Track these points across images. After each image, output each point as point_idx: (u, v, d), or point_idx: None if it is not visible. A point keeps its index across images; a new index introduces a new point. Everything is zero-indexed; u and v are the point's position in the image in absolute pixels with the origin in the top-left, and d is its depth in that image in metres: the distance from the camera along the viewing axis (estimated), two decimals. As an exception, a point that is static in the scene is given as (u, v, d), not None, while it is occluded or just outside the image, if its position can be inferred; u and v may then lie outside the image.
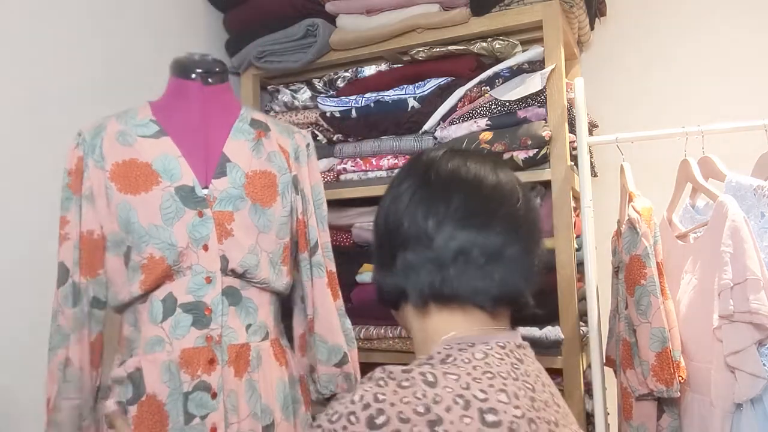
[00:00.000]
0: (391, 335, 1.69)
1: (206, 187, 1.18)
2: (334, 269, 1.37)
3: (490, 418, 0.64)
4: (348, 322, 1.37)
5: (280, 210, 1.24)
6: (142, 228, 1.14)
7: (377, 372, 0.69)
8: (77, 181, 1.18)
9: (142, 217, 1.14)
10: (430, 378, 0.66)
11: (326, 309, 1.31)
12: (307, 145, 1.34)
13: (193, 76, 1.25)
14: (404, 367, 0.68)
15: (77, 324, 1.18)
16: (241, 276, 1.19)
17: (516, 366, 0.72)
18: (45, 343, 1.18)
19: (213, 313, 1.15)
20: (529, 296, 0.79)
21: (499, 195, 0.79)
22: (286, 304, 1.36)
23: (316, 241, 1.32)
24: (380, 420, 0.62)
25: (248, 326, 1.19)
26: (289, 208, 1.28)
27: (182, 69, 1.26)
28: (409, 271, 0.77)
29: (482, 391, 0.66)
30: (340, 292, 1.38)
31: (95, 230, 1.18)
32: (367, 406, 0.63)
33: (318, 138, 1.86)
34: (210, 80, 1.26)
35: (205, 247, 1.15)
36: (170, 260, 1.13)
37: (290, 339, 1.37)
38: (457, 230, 0.76)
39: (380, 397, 0.63)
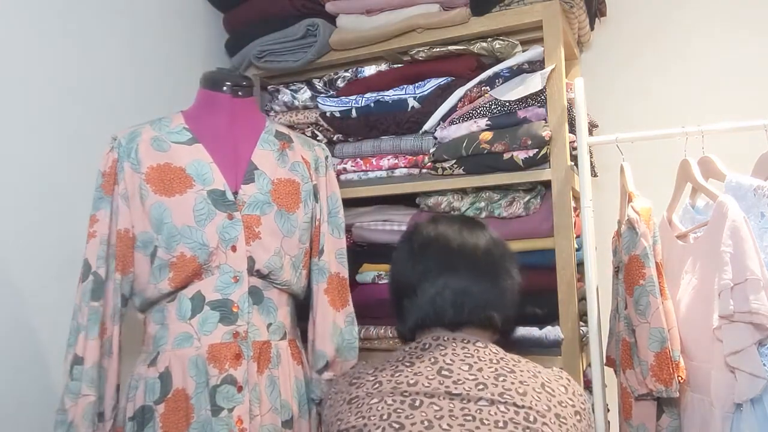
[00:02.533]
0: (391, 335, 1.69)
1: (236, 192, 1.25)
2: (346, 275, 1.43)
3: (353, 381, 1.08)
4: (355, 330, 1.42)
5: (303, 216, 1.33)
6: (174, 228, 1.20)
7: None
8: (110, 183, 1.24)
9: (175, 218, 1.20)
10: (361, 369, 1.11)
11: (322, 314, 1.37)
12: (326, 157, 1.44)
13: (224, 89, 1.33)
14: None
15: (95, 319, 1.20)
16: (265, 277, 1.26)
17: (412, 353, 1.07)
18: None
19: (240, 310, 1.22)
20: (499, 316, 1.11)
21: (463, 249, 1.11)
22: (303, 309, 1.41)
23: (323, 247, 1.38)
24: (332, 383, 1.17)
25: (269, 325, 1.26)
26: (310, 215, 1.36)
27: (213, 82, 1.34)
28: (404, 314, 1.13)
29: (363, 369, 1.09)
30: (349, 300, 1.42)
31: (130, 229, 1.24)
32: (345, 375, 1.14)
33: (318, 138, 1.86)
34: (240, 93, 1.34)
35: (234, 248, 1.22)
36: (201, 259, 1.20)
37: (304, 342, 1.41)
38: (432, 280, 1.09)
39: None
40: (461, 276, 1.09)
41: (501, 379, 1.00)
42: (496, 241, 1.17)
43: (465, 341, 1.07)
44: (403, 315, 1.13)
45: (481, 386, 0.99)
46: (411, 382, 1.01)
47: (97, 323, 1.20)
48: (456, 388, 0.99)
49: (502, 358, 1.05)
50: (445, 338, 1.08)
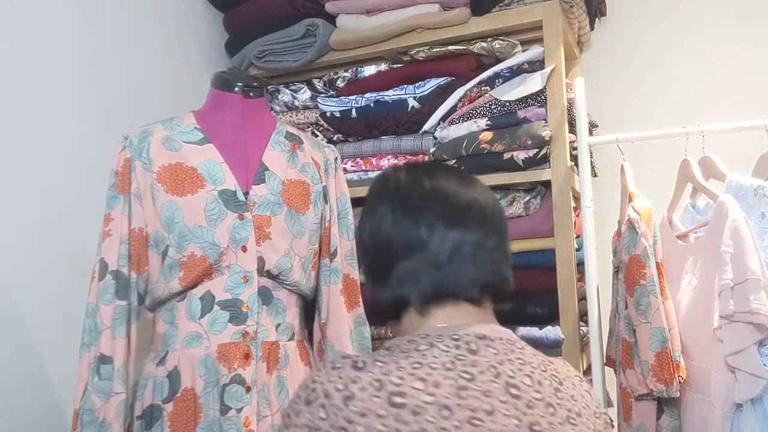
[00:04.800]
0: (391, 335, 1.69)
1: (246, 193, 1.26)
2: (356, 277, 1.43)
3: (397, 399, 0.71)
4: (367, 330, 1.42)
5: (312, 217, 1.33)
6: (185, 227, 1.20)
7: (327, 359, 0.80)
8: (124, 181, 1.24)
9: (187, 217, 1.21)
10: (360, 364, 0.75)
11: (337, 315, 1.37)
12: (335, 159, 1.43)
13: (236, 89, 1.33)
14: (349, 354, 0.80)
15: (122, 318, 1.21)
16: (275, 277, 1.26)
17: (461, 357, 0.79)
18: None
19: (249, 310, 1.22)
20: (511, 280, 0.91)
21: (468, 199, 0.91)
22: (309, 310, 1.40)
23: (336, 249, 1.39)
24: (312, 397, 0.73)
25: (278, 326, 1.26)
26: (320, 216, 1.36)
27: (224, 82, 1.34)
28: (410, 278, 0.86)
29: (399, 377, 0.74)
30: (360, 301, 1.42)
31: (143, 228, 1.24)
32: (305, 387, 0.75)
33: (318, 138, 1.86)
34: (251, 94, 1.34)
35: (244, 248, 1.22)
36: (212, 259, 1.20)
37: (311, 344, 1.41)
38: (446, 231, 0.86)
39: (315, 378, 0.75)
40: (474, 232, 0.87)
41: (559, 395, 0.82)
42: (495, 198, 0.97)
43: (509, 341, 0.85)
44: (399, 282, 0.87)
45: (551, 410, 0.79)
46: (487, 408, 0.74)
47: (125, 322, 1.21)
48: (532, 414, 0.77)
49: (542, 362, 0.85)
50: (491, 338, 0.84)
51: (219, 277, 1.22)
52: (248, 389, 1.19)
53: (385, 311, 0.89)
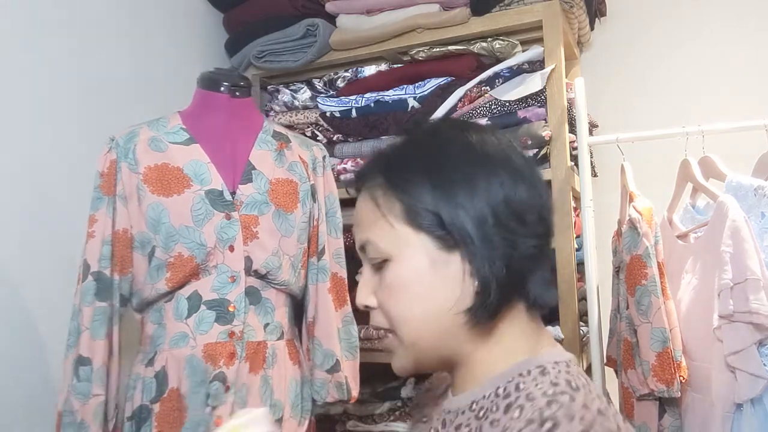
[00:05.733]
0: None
1: (233, 192, 1.25)
2: (344, 275, 1.42)
3: None
4: (354, 329, 1.41)
5: (301, 216, 1.32)
6: (172, 228, 1.20)
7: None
8: (109, 183, 1.24)
9: (173, 218, 1.20)
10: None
11: (326, 313, 1.36)
12: (324, 157, 1.43)
13: (222, 89, 1.32)
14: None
15: (102, 319, 1.20)
16: (263, 277, 1.25)
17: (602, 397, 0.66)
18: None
19: (236, 310, 1.22)
20: None
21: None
22: (299, 309, 1.40)
23: (324, 247, 1.38)
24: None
25: (266, 325, 1.26)
26: (308, 215, 1.35)
27: (211, 82, 1.33)
28: (534, 263, 0.69)
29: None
30: (348, 299, 1.42)
31: (128, 229, 1.24)
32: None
33: (318, 138, 1.86)
34: (237, 93, 1.34)
35: (231, 248, 1.22)
36: (199, 259, 1.20)
37: (302, 342, 1.40)
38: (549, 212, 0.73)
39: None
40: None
41: None
42: None
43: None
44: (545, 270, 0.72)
45: None
46: None
47: (105, 324, 1.20)
48: None
49: None
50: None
51: (206, 277, 1.21)
52: (227, 389, 1.18)
53: (484, 309, 0.67)
